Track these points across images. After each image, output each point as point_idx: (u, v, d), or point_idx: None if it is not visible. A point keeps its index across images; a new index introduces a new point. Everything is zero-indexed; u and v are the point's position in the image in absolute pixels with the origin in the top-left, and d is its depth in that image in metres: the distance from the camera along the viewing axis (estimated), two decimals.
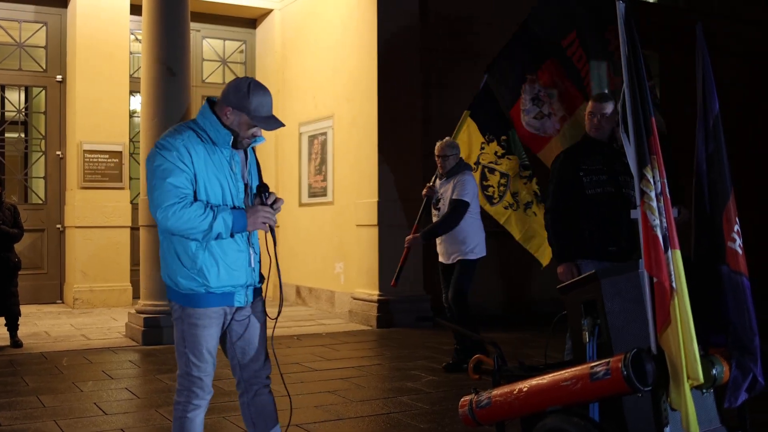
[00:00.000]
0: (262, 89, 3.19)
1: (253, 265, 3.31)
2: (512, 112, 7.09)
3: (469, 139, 7.34)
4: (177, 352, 3.33)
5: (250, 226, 3.17)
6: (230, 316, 3.33)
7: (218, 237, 3.13)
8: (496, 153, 7.28)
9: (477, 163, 7.29)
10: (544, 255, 7.03)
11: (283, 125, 3.25)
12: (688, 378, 2.80)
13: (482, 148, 7.31)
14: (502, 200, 7.27)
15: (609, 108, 4.99)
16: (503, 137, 7.28)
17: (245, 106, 3.14)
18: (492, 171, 7.28)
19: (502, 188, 7.29)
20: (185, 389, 3.30)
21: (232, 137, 3.19)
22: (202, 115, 3.23)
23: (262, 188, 3.28)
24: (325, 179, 10.99)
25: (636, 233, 4.83)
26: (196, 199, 3.14)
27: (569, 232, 4.97)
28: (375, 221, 9.66)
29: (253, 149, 3.46)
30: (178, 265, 3.21)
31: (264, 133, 3.29)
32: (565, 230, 4.98)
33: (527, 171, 7.24)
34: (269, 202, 3.24)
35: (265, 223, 3.18)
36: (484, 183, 7.26)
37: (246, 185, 3.31)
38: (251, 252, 3.30)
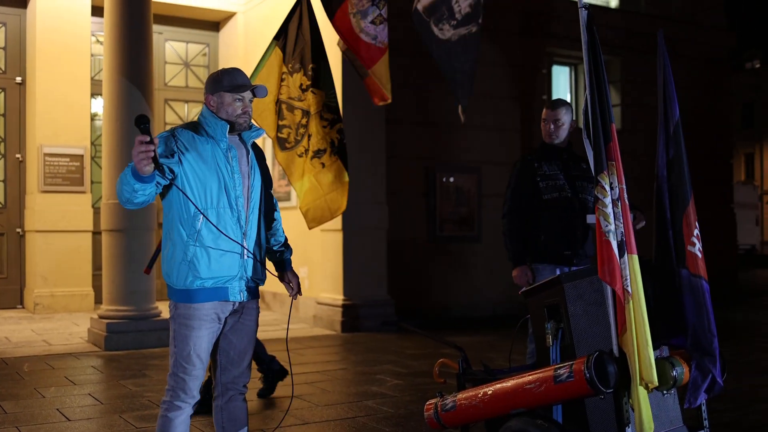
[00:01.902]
0: (233, 68, 3.38)
1: (245, 257, 3.29)
2: (337, 20, 5.88)
3: (270, 73, 5.89)
4: (170, 351, 3.35)
5: (137, 168, 2.98)
6: (223, 322, 3.33)
7: (141, 193, 3.06)
8: (301, 86, 5.89)
9: (277, 102, 5.88)
10: (312, 217, 5.94)
11: (264, 88, 3.33)
12: (642, 381, 2.84)
13: (282, 80, 5.88)
14: (298, 145, 5.91)
15: (561, 114, 5.05)
16: (312, 65, 5.90)
17: (221, 85, 3.30)
18: (291, 108, 5.89)
19: (301, 129, 5.90)
20: (171, 389, 3.31)
21: (228, 126, 3.28)
22: (201, 113, 3.36)
23: (140, 120, 3.06)
24: (288, 184, 10.95)
25: (592, 237, 4.95)
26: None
27: (525, 236, 5.06)
28: (339, 226, 9.65)
29: (259, 147, 3.52)
30: (173, 258, 3.25)
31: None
32: (520, 234, 5.06)
33: (331, 114, 5.88)
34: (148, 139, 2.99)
35: (143, 159, 2.94)
36: (280, 123, 5.90)
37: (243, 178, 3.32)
38: (245, 245, 3.29)
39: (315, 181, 5.88)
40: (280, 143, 5.85)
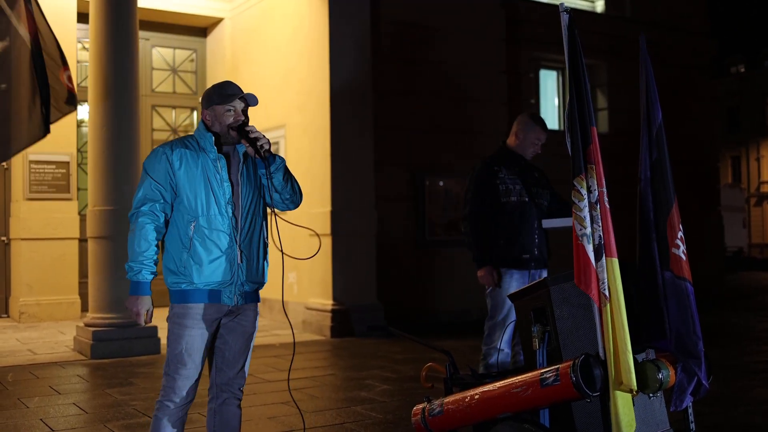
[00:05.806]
0: (223, 81, 3.50)
1: (240, 263, 3.36)
2: None
3: None
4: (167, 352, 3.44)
5: (129, 299, 3.32)
6: (217, 323, 3.40)
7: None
8: None
9: None
10: None
11: (253, 97, 3.42)
12: (621, 384, 2.84)
13: None
14: None
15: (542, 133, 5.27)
16: None
17: (212, 99, 3.41)
18: None
19: None
20: (163, 388, 3.38)
21: (213, 138, 3.39)
22: (197, 127, 3.50)
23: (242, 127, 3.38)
24: None
25: (548, 241, 5.09)
26: (173, 202, 3.36)
27: (488, 238, 5.14)
28: (328, 230, 9.64)
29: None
30: (169, 261, 3.37)
31: None
32: (484, 235, 5.13)
33: None
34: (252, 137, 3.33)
35: (131, 309, 3.33)
36: None
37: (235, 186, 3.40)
38: (238, 251, 3.36)
39: None
40: None
